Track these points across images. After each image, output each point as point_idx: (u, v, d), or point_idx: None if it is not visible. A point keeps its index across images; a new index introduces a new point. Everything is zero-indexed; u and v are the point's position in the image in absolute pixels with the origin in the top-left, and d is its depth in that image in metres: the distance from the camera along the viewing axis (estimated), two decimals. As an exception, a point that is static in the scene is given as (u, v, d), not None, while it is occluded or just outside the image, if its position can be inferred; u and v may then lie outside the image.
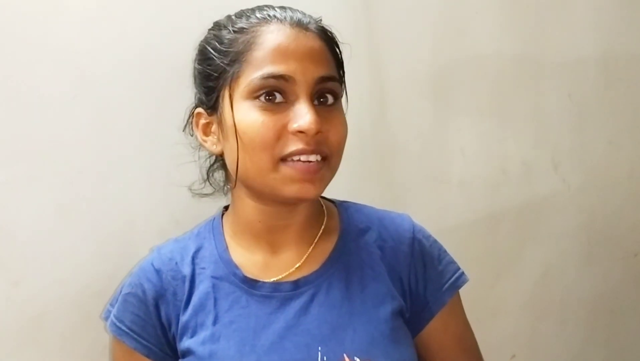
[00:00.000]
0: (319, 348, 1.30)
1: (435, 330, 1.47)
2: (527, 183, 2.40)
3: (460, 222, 2.24)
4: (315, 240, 1.42)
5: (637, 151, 2.74)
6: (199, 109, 1.39)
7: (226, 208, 1.51)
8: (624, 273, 2.77)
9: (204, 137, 1.40)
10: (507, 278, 2.39)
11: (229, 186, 1.49)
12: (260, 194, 1.34)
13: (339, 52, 1.39)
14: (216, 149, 1.38)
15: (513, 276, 2.40)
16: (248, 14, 1.34)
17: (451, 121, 2.18)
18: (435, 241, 1.51)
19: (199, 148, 1.55)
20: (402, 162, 2.10)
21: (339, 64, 1.39)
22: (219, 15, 1.41)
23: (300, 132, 1.23)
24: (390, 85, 2.04)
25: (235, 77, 1.28)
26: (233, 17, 1.37)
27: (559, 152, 2.47)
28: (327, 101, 1.31)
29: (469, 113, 2.22)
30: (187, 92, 1.51)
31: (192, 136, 1.49)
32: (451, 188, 2.21)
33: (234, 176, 1.34)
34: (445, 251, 1.51)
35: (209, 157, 1.54)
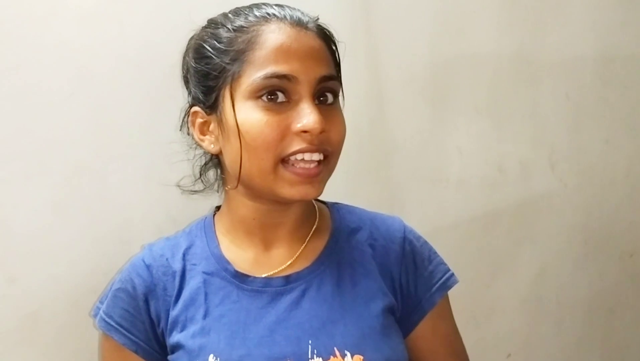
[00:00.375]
0: (310, 341, 1.30)
1: (425, 331, 1.48)
2: (523, 182, 2.40)
3: (457, 221, 2.24)
4: (308, 238, 1.43)
5: (634, 150, 2.74)
6: (196, 108, 1.38)
7: (218, 207, 1.52)
8: (620, 273, 2.78)
9: (201, 137, 1.39)
10: (504, 277, 2.39)
11: (222, 185, 1.49)
12: (259, 193, 1.34)
13: (336, 51, 1.39)
14: (214, 148, 1.37)
15: (509, 275, 2.41)
16: (246, 12, 1.34)
17: (448, 120, 2.18)
18: (425, 242, 1.52)
19: (195, 147, 1.54)
20: (400, 161, 2.10)
21: (336, 62, 1.39)
22: (216, 14, 1.40)
23: (305, 131, 1.24)
24: (387, 84, 2.04)
25: (236, 77, 1.28)
26: (230, 15, 1.36)
27: (555, 151, 2.47)
28: (327, 99, 1.32)
29: (466, 112, 2.22)
30: (183, 91, 1.50)
31: (188, 135, 1.49)
32: (448, 186, 2.21)
33: (234, 176, 1.34)
34: (435, 253, 1.52)
35: (203, 155, 1.53)
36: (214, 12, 1.41)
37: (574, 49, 2.48)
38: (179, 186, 1.61)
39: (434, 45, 2.12)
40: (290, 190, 1.27)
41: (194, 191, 1.59)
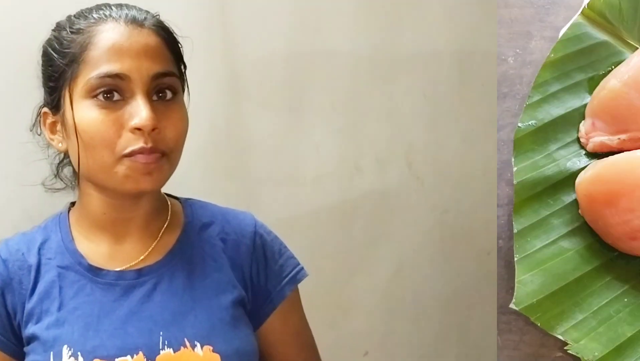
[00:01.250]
0: (161, 333, 1.34)
1: (275, 324, 1.53)
2: (380, 179, 2.43)
3: (314, 219, 2.26)
4: (160, 234, 1.46)
5: (491, 148, 2.77)
6: (45, 109, 1.41)
7: (73, 203, 1.52)
8: (477, 271, 2.83)
9: (51, 136, 1.43)
10: (361, 275, 2.42)
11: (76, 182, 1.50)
12: (103, 188, 1.36)
13: (179, 47, 1.43)
14: (62, 147, 1.40)
15: (366, 273, 2.44)
16: (86, 14, 1.37)
17: (305, 117, 2.21)
18: (276, 237, 1.57)
19: (48, 146, 1.54)
20: (257, 160, 2.12)
21: (178, 58, 1.43)
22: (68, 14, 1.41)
23: (138, 129, 1.27)
24: (244, 81, 2.05)
25: (73, 78, 1.31)
26: (73, 17, 1.39)
27: (412, 149, 2.51)
28: (165, 96, 1.35)
29: (323, 110, 2.24)
30: (38, 92, 1.49)
31: (39, 135, 1.50)
32: (305, 184, 2.24)
33: (77, 173, 1.39)
34: (285, 247, 1.58)
35: (58, 154, 1.53)
36: (71, 10, 1.41)
37: (430, 46, 2.53)
38: (43, 184, 1.59)
39: (291, 43, 2.14)
40: (129, 182, 1.30)
41: (57, 189, 1.58)
